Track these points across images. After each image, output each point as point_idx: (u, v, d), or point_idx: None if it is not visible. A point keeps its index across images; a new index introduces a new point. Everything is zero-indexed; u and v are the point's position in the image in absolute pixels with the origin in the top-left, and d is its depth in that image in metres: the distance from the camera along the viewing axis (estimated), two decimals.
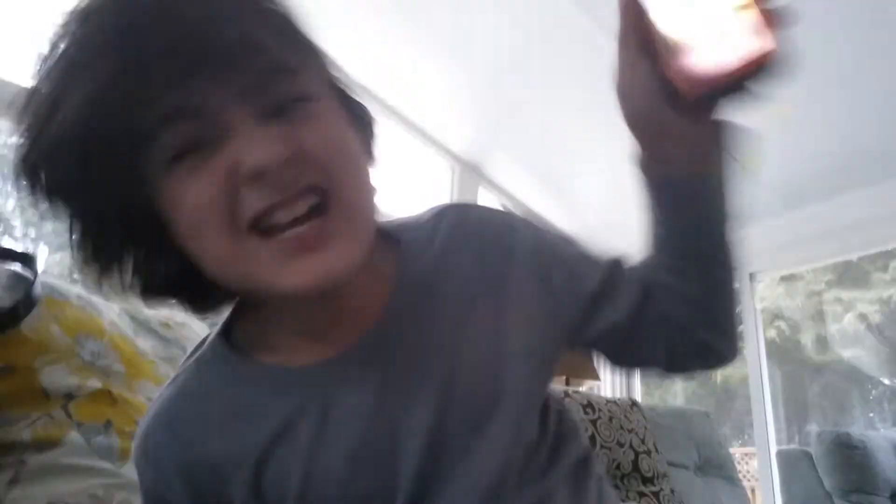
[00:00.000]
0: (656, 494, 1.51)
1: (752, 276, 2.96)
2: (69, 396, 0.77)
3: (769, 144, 2.46)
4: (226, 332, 0.58)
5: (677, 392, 4.53)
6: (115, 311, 0.95)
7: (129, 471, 0.76)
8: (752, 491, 3.31)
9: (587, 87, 2.05)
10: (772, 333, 3.88)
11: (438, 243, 0.60)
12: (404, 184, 2.39)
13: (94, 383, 0.80)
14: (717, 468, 1.89)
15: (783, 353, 3.84)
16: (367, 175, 0.52)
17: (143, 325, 0.99)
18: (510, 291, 0.59)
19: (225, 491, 0.54)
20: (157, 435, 0.55)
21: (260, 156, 0.44)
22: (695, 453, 1.85)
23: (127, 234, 0.49)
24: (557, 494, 0.56)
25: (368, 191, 0.52)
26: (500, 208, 0.68)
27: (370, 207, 0.52)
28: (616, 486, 1.47)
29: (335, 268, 0.47)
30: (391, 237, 0.60)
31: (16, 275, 0.81)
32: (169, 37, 0.42)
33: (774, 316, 3.92)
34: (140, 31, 0.42)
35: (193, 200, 0.45)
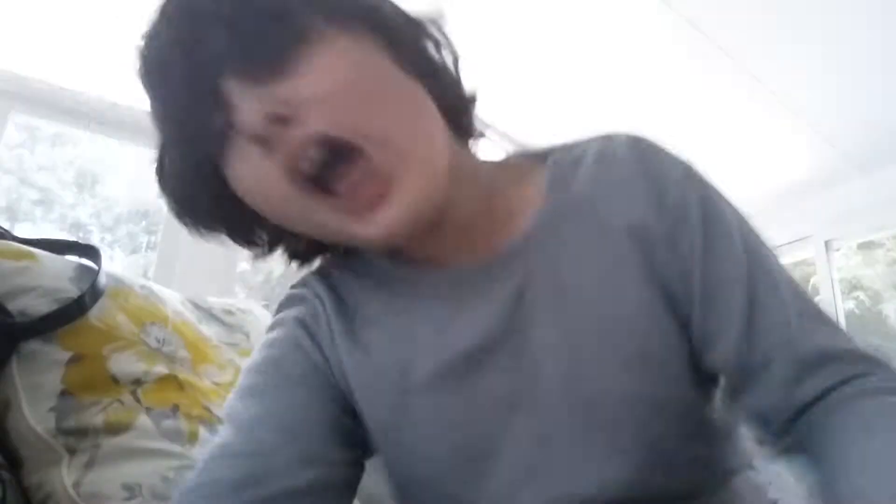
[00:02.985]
0: None
1: (827, 245, 2.81)
2: (137, 382, 0.79)
3: (843, 106, 2.32)
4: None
5: None
6: (178, 299, 0.97)
7: (198, 453, 0.77)
8: None
9: None
10: (850, 305, 3.68)
11: (595, 167, 0.57)
12: None
13: (161, 369, 0.82)
14: None
15: (864, 325, 3.64)
16: (410, 108, 0.48)
17: (206, 313, 1.01)
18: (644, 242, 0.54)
19: None
20: None
21: (243, 121, 0.43)
22: None
23: (216, 215, 0.53)
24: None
25: (416, 124, 0.47)
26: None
27: (425, 142, 0.47)
28: None
29: (402, 218, 0.45)
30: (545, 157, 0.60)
31: (81, 266, 0.83)
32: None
33: (853, 286, 3.72)
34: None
35: (244, 180, 0.47)
